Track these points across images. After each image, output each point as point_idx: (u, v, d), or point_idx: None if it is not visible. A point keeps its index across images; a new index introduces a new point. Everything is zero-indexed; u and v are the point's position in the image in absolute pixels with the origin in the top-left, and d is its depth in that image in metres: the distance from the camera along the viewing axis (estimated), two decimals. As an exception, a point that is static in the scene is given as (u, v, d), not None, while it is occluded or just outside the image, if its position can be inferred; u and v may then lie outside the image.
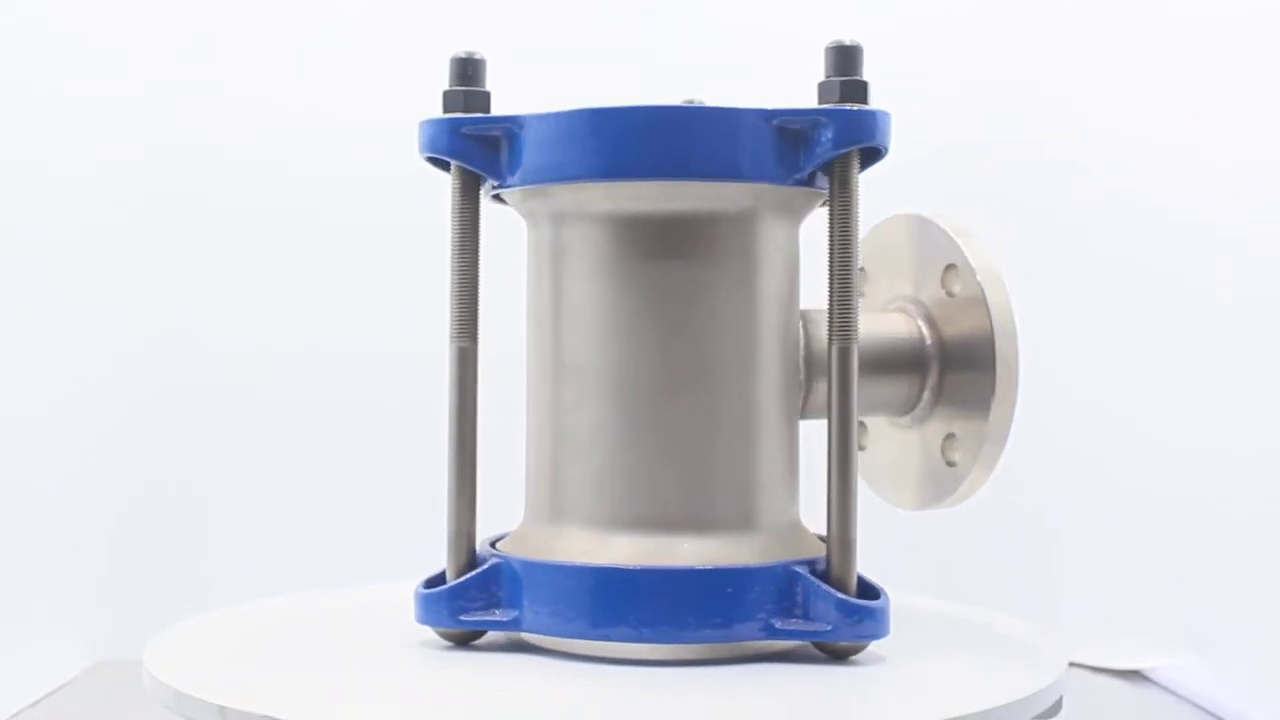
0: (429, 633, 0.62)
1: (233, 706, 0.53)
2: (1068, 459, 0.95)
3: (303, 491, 1.00)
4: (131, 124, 0.97)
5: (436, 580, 0.62)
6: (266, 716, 0.52)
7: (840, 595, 0.58)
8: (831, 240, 0.60)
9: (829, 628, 0.58)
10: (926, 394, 0.67)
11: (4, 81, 0.94)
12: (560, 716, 0.54)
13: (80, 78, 0.96)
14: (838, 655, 0.59)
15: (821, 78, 0.60)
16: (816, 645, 0.59)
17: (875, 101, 0.59)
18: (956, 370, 0.66)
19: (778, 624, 0.58)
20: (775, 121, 0.58)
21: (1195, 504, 0.87)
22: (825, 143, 0.58)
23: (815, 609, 0.58)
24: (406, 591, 0.66)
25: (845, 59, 0.59)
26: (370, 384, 1.00)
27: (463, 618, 0.60)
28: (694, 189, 0.59)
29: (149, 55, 0.97)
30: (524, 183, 0.60)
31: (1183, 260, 0.89)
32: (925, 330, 0.67)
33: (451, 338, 0.61)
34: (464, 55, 0.61)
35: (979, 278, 0.65)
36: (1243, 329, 0.84)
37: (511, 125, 0.60)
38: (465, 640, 0.61)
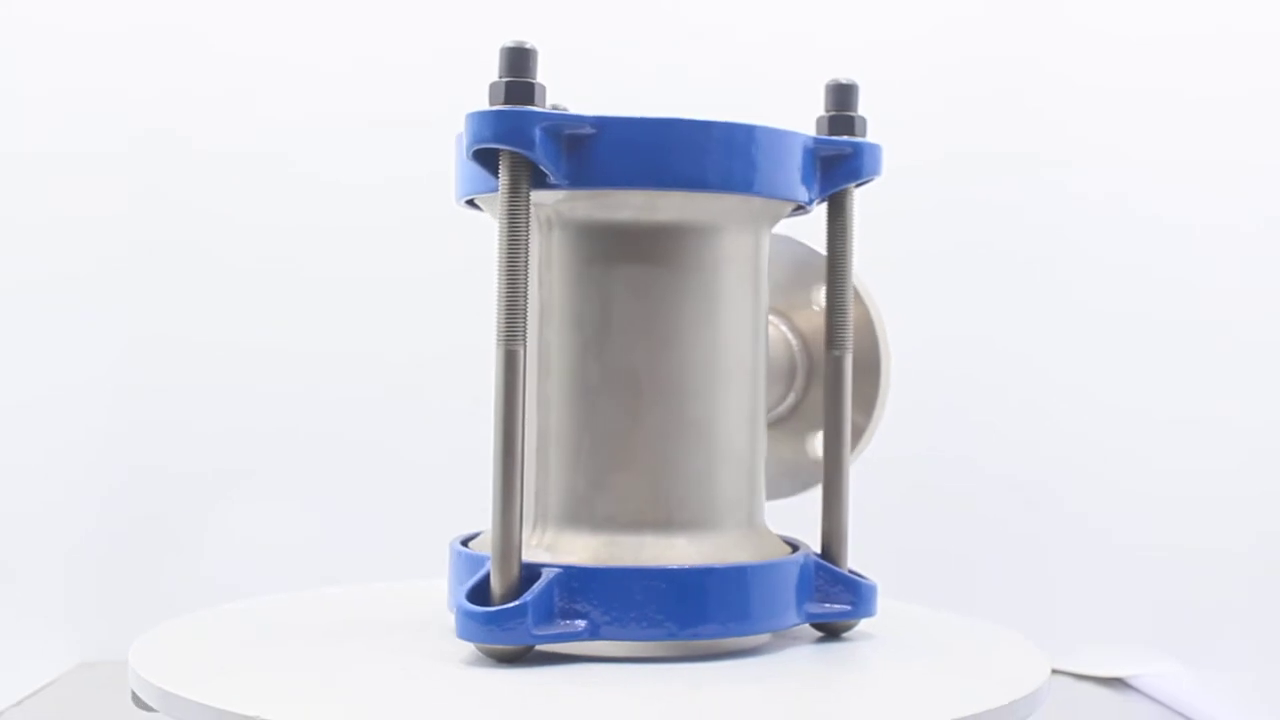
0: (424, 628, 0.62)
1: (218, 706, 0.53)
2: (1054, 467, 0.96)
3: (296, 491, 0.99)
4: (130, 123, 0.96)
5: (480, 594, 0.58)
6: (253, 717, 0.52)
7: (854, 578, 0.65)
8: (831, 259, 0.66)
9: (849, 607, 0.64)
10: (792, 396, 0.75)
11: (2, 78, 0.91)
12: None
13: (77, 75, 0.94)
14: (836, 632, 0.65)
15: (817, 105, 0.65)
16: (817, 625, 0.65)
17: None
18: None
19: (810, 609, 0.64)
20: (812, 146, 0.63)
21: (1179, 512, 0.89)
22: (846, 171, 0.64)
23: (833, 593, 0.64)
24: (398, 590, 0.70)
25: (845, 96, 0.65)
26: (367, 384, 0.99)
27: (537, 632, 0.58)
28: (752, 204, 0.62)
29: (148, 57, 0.97)
30: (593, 185, 0.59)
31: (1177, 268, 0.91)
32: (792, 339, 0.75)
33: (500, 340, 0.59)
34: (515, 45, 0.59)
35: (863, 295, 0.74)
36: (1236, 337, 0.86)
37: (591, 125, 0.59)
38: (519, 656, 0.59)
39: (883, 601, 0.66)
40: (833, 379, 0.66)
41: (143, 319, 0.97)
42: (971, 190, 1.00)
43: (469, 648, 0.60)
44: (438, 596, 0.68)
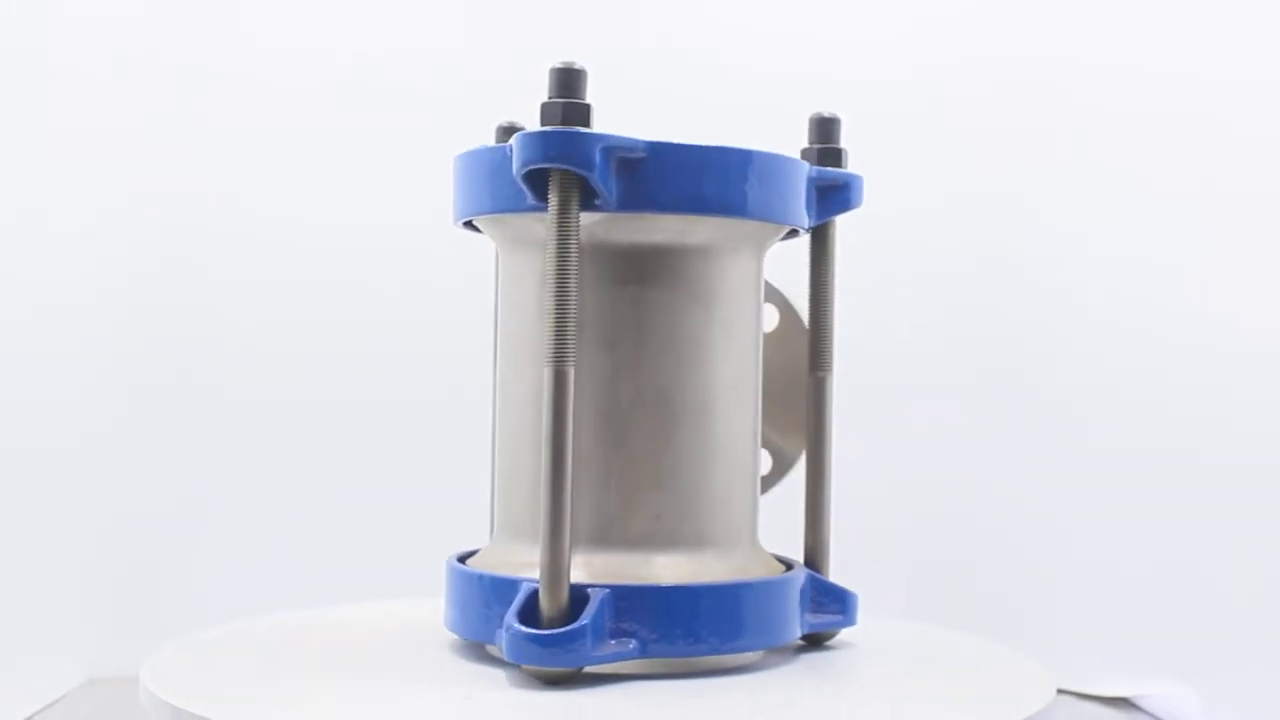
0: (430, 645, 0.64)
1: None
2: (1059, 486, 0.96)
3: (298, 510, 0.99)
4: (140, 162, 0.97)
5: (529, 616, 0.58)
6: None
7: (841, 589, 0.68)
8: (814, 284, 0.69)
9: (840, 617, 0.67)
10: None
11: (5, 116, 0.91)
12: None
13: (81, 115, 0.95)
14: (819, 641, 0.68)
15: (800, 130, 0.68)
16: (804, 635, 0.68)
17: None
18: (769, 396, 0.77)
19: (809, 619, 0.66)
20: (814, 176, 0.66)
21: (1186, 530, 0.89)
22: (838, 201, 0.67)
23: (824, 603, 0.67)
24: (404, 609, 0.71)
25: (830, 129, 0.68)
26: (364, 406, 0.99)
27: (595, 653, 0.58)
28: (766, 229, 0.64)
29: (152, 87, 0.97)
30: (641, 209, 0.60)
31: (1184, 282, 0.91)
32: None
33: (549, 360, 0.58)
34: (565, 65, 0.59)
35: (804, 318, 0.77)
36: (1241, 345, 0.86)
37: (643, 149, 0.59)
38: (571, 678, 0.58)
39: (889, 621, 0.69)
40: (815, 398, 0.69)
41: (146, 342, 0.98)
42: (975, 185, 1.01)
43: (501, 670, 0.60)
44: (416, 615, 0.70)
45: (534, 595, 0.59)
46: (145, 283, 0.98)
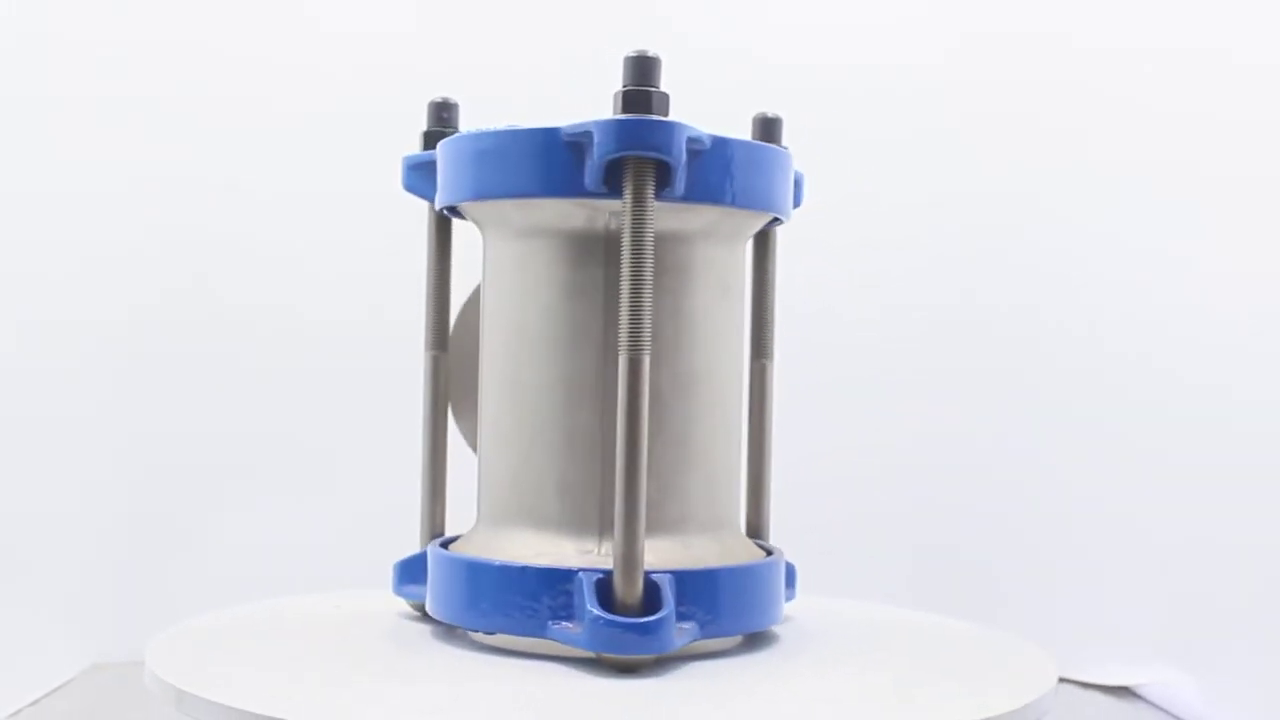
0: (429, 633, 0.65)
1: (238, 706, 0.54)
2: (1061, 475, 0.94)
3: (298, 498, 1.00)
4: (139, 158, 0.99)
5: (606, 605, 0.58)
6: (274, 717, 0.54)
7: (791, 565, 0.71)
8: (757, 275, 0.72)
9: (790, 590, 0.71)
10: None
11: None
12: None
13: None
14: (765, 614, 0.72)
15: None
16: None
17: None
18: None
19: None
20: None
21: (1186, 520, 0.88)
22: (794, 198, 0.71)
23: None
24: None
25: (774, 128, 0.71)
26: (362, 394, 0.99)
27: (674, 638, 0.59)
28: (765, 221, 0.67)
29: (151, 83, 0.99)
30: (704, 200, 0.61)
31: (1187, 276, 0.90)
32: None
33: (624, 347, 0.59)
34: (640, 54, 0.59)
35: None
36: (1237, 344, 0.85)
37: (708, 142, 0.60)
38: (645, 665, 0.59)
39: (891, 609, 0.73)
40: (758, 384, 0.72)
41: (148, 330, 0.99)
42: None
43: (522, 660, 0.61)
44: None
45: (601, 584, 0.59)
46: (145, 271, 0.99)
